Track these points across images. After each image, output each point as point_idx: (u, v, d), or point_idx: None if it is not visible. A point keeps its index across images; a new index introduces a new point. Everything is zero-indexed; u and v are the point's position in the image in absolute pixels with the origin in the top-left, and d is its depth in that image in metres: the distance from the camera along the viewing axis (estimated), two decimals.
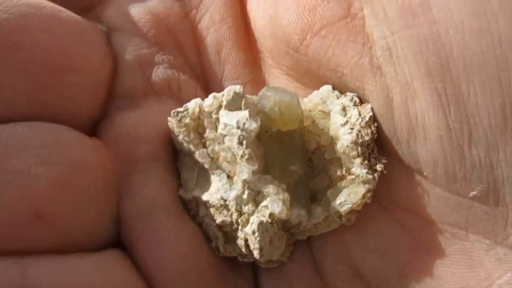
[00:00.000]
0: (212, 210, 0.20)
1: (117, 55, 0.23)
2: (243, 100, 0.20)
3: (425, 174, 0.20)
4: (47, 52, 0.20)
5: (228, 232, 0.21)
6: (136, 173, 0.21)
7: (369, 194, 0.20)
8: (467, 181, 0.19)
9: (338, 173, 0.21)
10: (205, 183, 0.21)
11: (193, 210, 0.21)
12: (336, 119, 0.21)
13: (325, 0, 0.21)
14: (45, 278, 0.17)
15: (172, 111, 0.21)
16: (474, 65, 0.17)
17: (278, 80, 0.24)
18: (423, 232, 0.21)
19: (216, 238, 0.21)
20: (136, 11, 0.24)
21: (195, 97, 0.23)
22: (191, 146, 0.21)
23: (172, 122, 0.21)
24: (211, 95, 0.21)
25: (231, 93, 0.20)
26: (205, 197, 0.21)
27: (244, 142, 0.19)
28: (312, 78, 0.23)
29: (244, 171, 0.20)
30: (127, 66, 0.23)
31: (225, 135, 0.20)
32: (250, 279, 0.23)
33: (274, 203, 0.20)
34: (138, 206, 0.20)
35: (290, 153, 0.20)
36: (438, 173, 0.20)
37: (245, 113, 0.19)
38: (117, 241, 0.21)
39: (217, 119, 0.20)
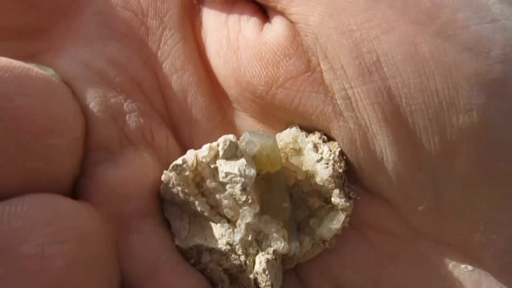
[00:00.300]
0: (217, 255, 0.21)
1: (85, 106, 0.22)
2: (238, 148, 0.21)
3: (385, 196, 0.24)
4: (30, 117, 0.18)
5: (233, 274, 0.22)
6: (130, 233, 0.21)
7: (347, 219, 0.24)
8: (415, 200, 0.24)
9: (317, 204, 0.24)
10: (201, 230, 0.22)
11: (194, 258, 0.22)
12: (310, 155, 0.24)
13: (287, 56, 0.23)
14: None
15: (171, 165, 0.21)
16: (419, 111, 0.22)
17: (244, 121, 0.26)
18: (388, 244, 0.25)
19: (222, 282, 0.22)
20: (97, 60, 0.23)
21: (167, 144, 0.24)
22: (190, 197, 0.21)
23: (169, 175, 0.21)
24: (205, 146, 0.21)
25: (228, 142, 0.21)
26: (210, 244, 0.21)
27: (247, 188, 0.20)
28: (278, 121, 0.25)
29: (247, 215, 0.21)
30: (99, 117, 0.22)
31: (226, 183, 0.21)
32: None
33: (276, 240, 0.21)
34: (142, 267, 0.20)
35: (280, 192, 0.22)
36: (396, 194, 0.24)
37: (243, 161, 0.21)
38: None
39: (215, 169, 0.21)
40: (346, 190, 0.24)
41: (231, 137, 0.21)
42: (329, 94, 0.23)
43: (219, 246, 0.21)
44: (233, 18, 0.25)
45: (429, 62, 0.21)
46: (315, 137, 0.24)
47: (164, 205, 0.22)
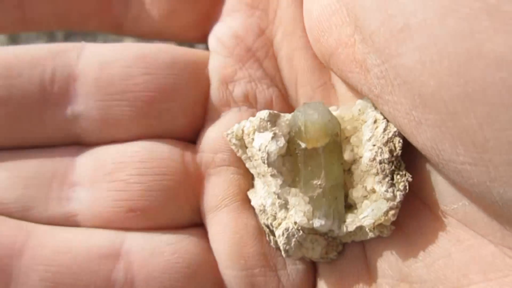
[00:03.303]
0: (256, 212, 0.25)
1: (210, 75, 0.28)
2: (269, 123, 0.23)
3: (467, 197, 0.19)
4: (146, 90, 0.27)
5: (270, 229, 0.25)
6: (213, 176, 0.27)
7: (392, 212, 0.21)
8: (509, 215, 0.17)
9: (370, 186, 0.22)
10: (257, 185, 0.26)
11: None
12: (365, 132, 0.22)
13: (322, 31, 0.21)
14: (135, 244, 0.25)
15: (224, 132, 0.25)
16: (471, 94, 0.15)
17: (341, 85, 0.25)
18: (478, 249, 0.20)
19: (267, 234, 0.25)
20: (224, 35, 0.28)
21: (272, 104, 0.27)
22: (242, 158, 0.25)
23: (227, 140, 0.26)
24: (248, 119, 0.24)
25: (259, 119, 0.23)
26: (253, 201, 0.25)
27: (265, 162, 0.22)
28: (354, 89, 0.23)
29: (272, 184, 0.23)
30: (216, 83, 0.28)
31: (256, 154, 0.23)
32: (305, 269, 0.26)
33: (297, 213, 0.22)
34: (210, 203, 0.27)
35: (315, 169, 0.22)
36: (476, 201, 0.18)
37: (268, 136, 0.22)
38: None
39: (253, 139, 0.24)
40: (397, 178, 0.20)
41: (263, 113, 0.23)
42: (363, 73, 0.19)
43: (256, 205, 0.24)
44: None
45: (480, 17, 0.15)
46: (378, 112, 0.21)
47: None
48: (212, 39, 0.29)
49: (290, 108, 0.28)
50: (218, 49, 0.28)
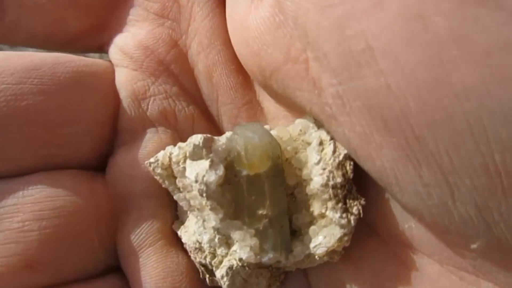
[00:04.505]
0: (190, 250, 0.22)
1: (118, 91, 0.24)
2: (204, 150, 0.20)
3: (415, 219, 0.19)
4: (42, 113, 0.21)
5: (207, 268, 0.22)
6: (131, 210, 0.23)
7: (346, 238, 0.20)
8: (462, 235, 0.17)
9: (317, 211, 0.20)
10: (187, 220, 0.22)
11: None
12: (312, 154, 0.20)
13: (265, 44, 0.19)
14: None
15: (146, 162, 0.22)
16: (438, 121, 0.15)
17: (270, 103, 0.24)
18: (425, 270, 0.20)
19: (202, 272, 0.22)
20: (130, 45, 0.24)
21: (193, 124, 0.24)
22: (170, 190, 0.22)
23: (148, 169, 0.22)
24: (177, 146, 0.21)
25: (192, 145, 0.20)
26: (183, 237, 0.22)
27: (204, 194, 0.19)
28: (296, 108, 0.21)
29: (211, 218, 0.20)
30: (125, 101, 0.24)
31: (190, 185, 0.20)
32: None
33: (242, 249, 0.20)
34: (130, 244, 0.22)
35: (259, 197, 0.20)
36: (428, 222, 0.18)
37: (205, 165, 0.19)
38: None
39: (185, 168, 0.21)
40: (349, 202, 0.19)
41: (197, 138, 0.20)
42: (316, 91, 0.18)
43: (189, 242, 0.21)
44: None
45: (447, 46, 0.14)
46: (323, 132, 0.20)
47: None
48: (114, 50, 0.24)
49: (212, 128, 0.25)
50: (124, 61, 0.24)
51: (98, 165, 0.24)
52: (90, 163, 0.23)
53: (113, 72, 0.24)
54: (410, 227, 0.20)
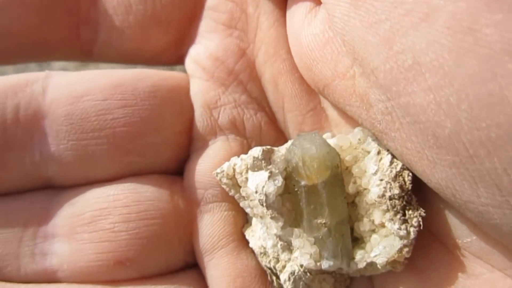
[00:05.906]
0: (256, 254, 0.23)
1: (193, 101, 0.26)
2: (263, 162, 0.21)
3: (483, 232, 0.18)
4: (125, 125, 0.24)
5: (272, 271, 0.23)
6: (205, 213, 0.25)
7: (406, 249, 0.19)
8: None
9: (378, 220, 0.20)
10: (255, 224, 0.24)
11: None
12: (369, 165, 0.20)
13: (315, 60, 0.20)
14: None
15: (213, 172, 0.23)
16: (494, 138, 0.14)
17: (333, 110, 0.24)
18: (497, 283, 0.19)
19: (269, 275, 0.23)
20: (201, 56, 0.26)
21: (260, 131, 0.25)
22: (236, 198, 0.23)
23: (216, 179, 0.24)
24: (240, 157, 0.22)
25: (251, 157, 0.21)
26: (251, 241, 0.23)
27: (264, 204, 0.21)
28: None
29: (272, 226, 0.21)
30: (199, 111, 0.25)
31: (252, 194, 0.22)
32: None
33: (302, 256, 0.21)
34: (205, 245, 0.24)
35: (318, 206, 0.21)
36: (496, 238, 0.17)
37: (264, 176, 0.21)
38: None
39: (247, 178, 0.22)
40: (407, 214, 0.19)
41: (256, 151, 0.21)
42: (364, 107, 0.18)
43: (255, 247, 0.23)
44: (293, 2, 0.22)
45: (503, 60, 0.14)
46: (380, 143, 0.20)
47: None
48: (189, 62, 0.26)
49: (279, 134, 0.26)
50: (197, 72, 0.26)
51: (177, 169, 0.26)
52: (170, 169, 0.26)
53: (187, 83, 0.26)
54: (478, 239, 0.19)
